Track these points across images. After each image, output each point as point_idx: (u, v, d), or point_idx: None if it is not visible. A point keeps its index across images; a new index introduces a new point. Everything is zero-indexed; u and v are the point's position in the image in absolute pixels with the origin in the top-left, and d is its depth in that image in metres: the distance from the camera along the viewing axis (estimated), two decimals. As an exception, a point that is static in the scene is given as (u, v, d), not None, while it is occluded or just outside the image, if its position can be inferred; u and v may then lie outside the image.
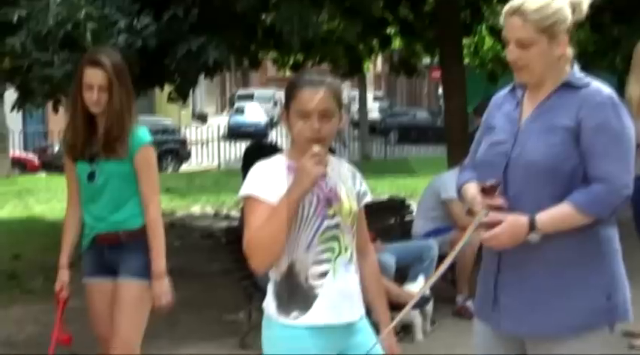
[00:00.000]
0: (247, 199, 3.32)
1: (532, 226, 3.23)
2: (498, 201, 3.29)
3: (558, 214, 3.23)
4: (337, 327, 3.32)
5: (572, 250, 3.29)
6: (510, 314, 3.36)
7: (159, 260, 4.46)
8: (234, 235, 7.18)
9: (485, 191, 3.32)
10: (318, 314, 3.29)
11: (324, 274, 3.30)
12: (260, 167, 3.37)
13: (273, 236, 3.19)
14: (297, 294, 3.31)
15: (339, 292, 3.32)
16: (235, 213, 14.34)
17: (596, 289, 3.28)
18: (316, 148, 3.20)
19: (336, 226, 3.35)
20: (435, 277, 3.74)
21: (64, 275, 4.58)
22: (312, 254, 3.30)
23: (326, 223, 3.32)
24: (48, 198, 18.05)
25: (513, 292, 3.34)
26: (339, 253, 3.33)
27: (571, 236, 3.25)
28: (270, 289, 3.38)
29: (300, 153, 3.26)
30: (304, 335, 3.28)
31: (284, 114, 3.38)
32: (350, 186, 3.47)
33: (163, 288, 4.46)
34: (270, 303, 3.36)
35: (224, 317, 7.94)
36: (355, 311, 3.38)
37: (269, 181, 3.29)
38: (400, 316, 3.47)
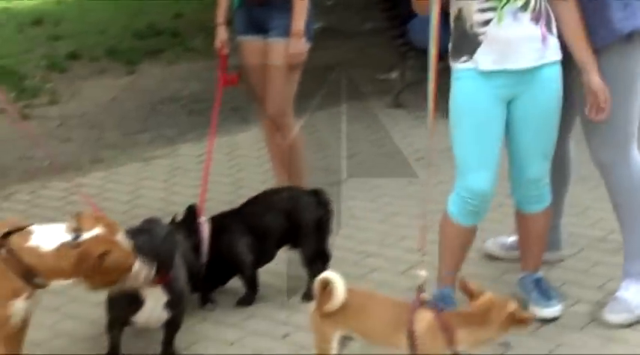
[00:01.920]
0: None
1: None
2: None
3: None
4: (500, 76, 3.38)
5: None
6: None
7: (299, 19, 4.52)
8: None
9: None
10: (481, 60, 3.37)
11: (487, 22, 3.34)
12: None
13: None
14: (464, 40, 3.40)
15: (505, 40, 3.35)
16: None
17: None
18: None
19: None
20: None
21: (222, 33, 4.74)
22: (477, 1, 3.33)
23: None
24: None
25: None
26: (507, 1, 3.32)
27: None
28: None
29: None
30: (469, 78, 3.41)
31: None
32: None
33: (299, 47, 4.56)
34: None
35: (377, 76, 8.09)
36: (524, 60, 3.37)
37: None
38: None
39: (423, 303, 3.01)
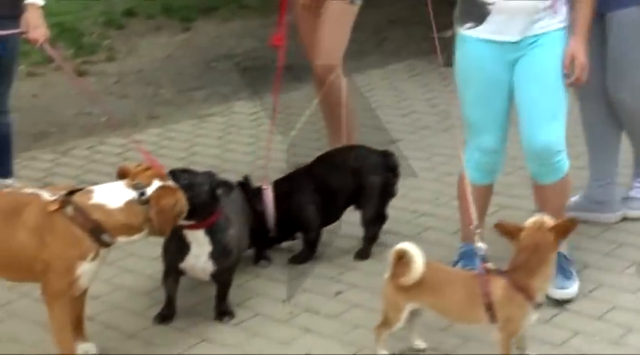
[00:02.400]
0: None
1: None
2: None
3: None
4: (505, 43, 3.38)
5: None
6: None
7: None
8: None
9: None
10: (488, 29, 3.38)
11: None
12: None
13: None
14: (473, 8, 3.42)
15: (513, 10, 3.33)
16: None
17: None
18: None
19: None
20: None
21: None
22: None
23: None
24: None
25: None
26: None
27: None
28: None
29: None
30: (474, 43, 3.44)
31: None
32: None
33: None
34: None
35: (431, 34, 7.99)
36: (530, 31, 3.35)
37: None
38: None
39: (489, 273, 2.97)
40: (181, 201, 2.99)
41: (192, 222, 3.22)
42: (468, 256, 3.55)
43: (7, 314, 3.50)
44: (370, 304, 3.48)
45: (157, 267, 3.51)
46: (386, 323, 3.06)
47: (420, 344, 3.16)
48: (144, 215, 2.90)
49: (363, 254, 3.92)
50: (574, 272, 3.53)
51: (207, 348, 3.26)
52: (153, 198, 2.89)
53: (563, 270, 3.46)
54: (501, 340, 2.92)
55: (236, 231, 3.42)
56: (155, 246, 3.48)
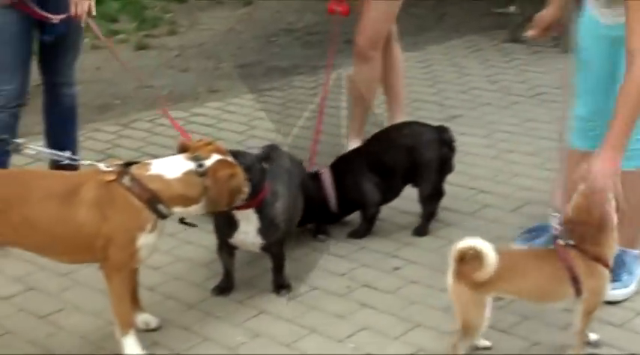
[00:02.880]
0: None
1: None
2: None
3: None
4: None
5: None
6: None
7: None
8: None
9: None
10: (601, 12, 3.28)
11: None
12: None
13: None
14: None
15: None
16: None
17: None
18: None
19: None
20: None
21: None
22: None
23: None
24: None
25: None
26: None
27: None
28: None
29: None
30: (587, 18, 3.35)
31: None
32: None
33: None
34: None
35: (494, 9, 7.92)
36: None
37: None
38: None
39: (565, 247, 2.89)
40: (239, 176, 3.01)
41: (242, 203, 3.22)
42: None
43: (72, 283, 3.58)
44: (428, 280, 3.49)
45: (214, 240, 3.55)
46: (466, 331, 2.86)
47: (484, 342, 3.05)
48: (201, 186, 2.92)
49: (421, 230, 3.92)
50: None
51: (264, 320, 3.30)
52: (210, 169, 2.92)
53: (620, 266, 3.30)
54: (584, 314, 2.89)
55: (283, 204, 3.42)
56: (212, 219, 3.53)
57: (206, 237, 3.81)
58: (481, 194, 4.32)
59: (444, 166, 3.93)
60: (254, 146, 3.84)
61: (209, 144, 3.04)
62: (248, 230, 3.35)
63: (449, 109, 5.53)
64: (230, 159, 3.03)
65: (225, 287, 3.50)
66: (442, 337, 3.09)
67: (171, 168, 2.94)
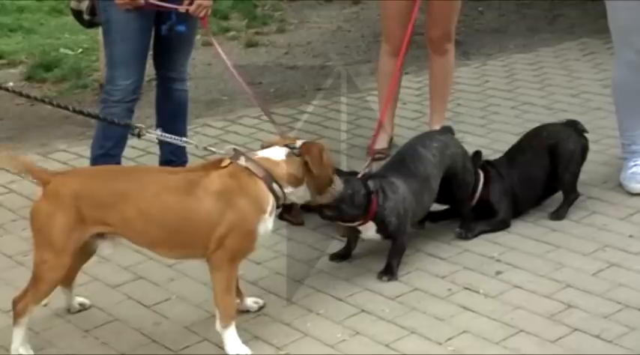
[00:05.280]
0: None
1: None
2: None
3: None
4: None
5: None
6: None
7: None
8: None
9: None
10: None
11: None
12: None
13: None
14: None
15: None
16: None
17: None
18: None
19: None
20: None
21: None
22: None
23: None
24: None
25: None
26: None
27: None
28: None
29: None
30: None
31: None
32: None
33: None
34: None
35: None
36: None
37: None
38: None
39: None
40: (327, 150, 3.21)
41: (359, 222, 3.55)
42: None
43: (178, 274, 3.66)
44: (531, 286, 3.44)
45: (318, 236, 3.58)
46: None
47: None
48: (301, 166, 3.10)
49: (561, 214, 4.05)
50: None
51: (364, 319, 3.31)
52: (303, 148, 3.13)
53: None
54: None
55: (396, 200, 3.58)
56: (315, 217, 3.63)
57: (310, 235, 3.85)
58: (589, 200, 4.23)
59: (583, 156, 4.15)
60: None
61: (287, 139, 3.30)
62: (367, 233, 3.62)
63: (558, 113, 5.43)
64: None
65: (344, 255, 3.74)
66: (544, 344, 3.05)
67: (274, 152, 3.14)
